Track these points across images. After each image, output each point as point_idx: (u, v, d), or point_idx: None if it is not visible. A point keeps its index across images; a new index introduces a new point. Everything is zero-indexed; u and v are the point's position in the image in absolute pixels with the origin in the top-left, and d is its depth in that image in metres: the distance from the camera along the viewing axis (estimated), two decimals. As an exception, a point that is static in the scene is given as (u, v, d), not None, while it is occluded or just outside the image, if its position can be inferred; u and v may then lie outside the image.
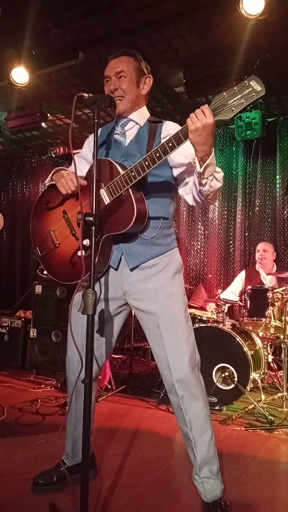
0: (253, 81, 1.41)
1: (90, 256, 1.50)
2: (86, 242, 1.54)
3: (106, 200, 1.68)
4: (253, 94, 1.42)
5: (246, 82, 1.42)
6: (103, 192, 1.69)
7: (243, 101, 1.43)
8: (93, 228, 1.50)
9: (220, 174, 1.61)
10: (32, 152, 6.84)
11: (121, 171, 1.64)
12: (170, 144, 1.52)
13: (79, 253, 1.69)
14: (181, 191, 1.85)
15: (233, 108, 1.45)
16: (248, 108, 4.66)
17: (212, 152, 1.53)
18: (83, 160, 1.99)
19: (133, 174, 1.60)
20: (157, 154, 1.54)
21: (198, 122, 1.44)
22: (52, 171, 1.94)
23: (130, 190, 1.63)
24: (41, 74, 4.09)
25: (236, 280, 4.51)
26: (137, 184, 1.63)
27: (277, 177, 5.03)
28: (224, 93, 1.45)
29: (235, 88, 1.44)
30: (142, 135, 1.80)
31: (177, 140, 1.51)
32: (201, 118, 1.44)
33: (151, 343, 1.80)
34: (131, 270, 1.77)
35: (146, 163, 1.57)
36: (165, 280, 1.77)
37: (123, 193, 1.64)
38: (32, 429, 2.64)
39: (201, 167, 1.54)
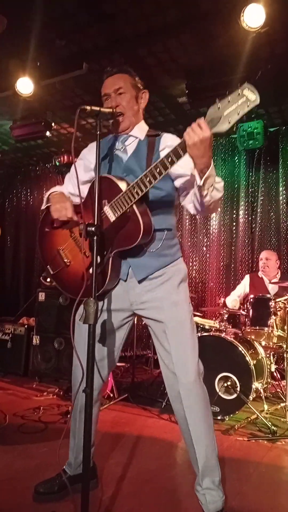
0: (247, 89, 1.36)
1: (102, 273, 1.54)
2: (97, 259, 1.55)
3: (111, 217, 1.70)
4: (248, 104, 1.37)
5: (239, 91, 1.37)
6: (107, 210, 1.71)
7: (239, 111, 1.39)
8: (95, 238, 1.52)
9: (220, 184, 1.63)
10: (36, 161, 6.90)
11: (122, 187, 1.66)
12: (170, 159, 1.53)
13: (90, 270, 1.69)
14: (182, 201, 1.87)
15: (229, 120, 1.41)
16: (246, 117, 4.70)
17: (211, 163, 1.54)
18: (86, 168, 1.98)
19: (135, 190, 1.61)
20: (158, 170, 1.55)
21: (195, 136, 1.45)
22: (47, 194, 1.93)
23: (134, 205, 1.64)
24: (45, 84, 4.15)
25: (239, 286, 4.51)
26: (140, 199, 1.65)
27: (280, 186, 5.05)
28: (219, 104, 1.42)
29: (229, 98, 1.40)
30: (142, 150, 1.83)
31: (176, 155, 1.52)
32: (198, 132, 1.45)
33: (158, 350, 1.82)
34: (139, 282, 1.79)
35: (148, 179, 1.58)
36: (171, 289, 1.80)
37: (128, 210, 1.65)
38: (34, 437, 2.64)
39: (201, 179, 1.55)
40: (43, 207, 1.96)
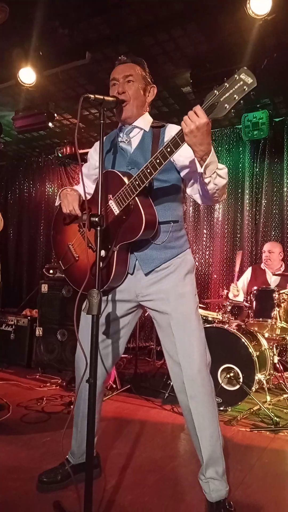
0: (243, 73, 1.37)
1: (107, 267, 1.55)
2: (102, 253, 1.55)
3: (116, 211, 1.70)
4: (245, 87, 1.38)
5: (236, 76, 1.38)
6: (112, 204, 1.71)
7: (235, 96, 1.39)
8: (99, 228, 1.51)
9: (223, 171, 1.60)
10: (39, 152, 6.86)
11: (126, 181, 1.66)
12: (169, 149, 1.52)
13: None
14: (189, 190, 1.86)
15: (226, 105, 1.41)
16: (251, 107, 4.66)
17: (211, 150, 1.51)
18: (90, 175, 2.02)
19: (137, 183, 1.61)
20: (157, 161, 1.55)
21: (192, 124, 1.43)
22: (60, 191, 1.98)
23: (136, 198, 1.64)
24: (48, 74, 4.11)
25: (244, 276, 4.49)
26: (143, 191, 1.64)
27: (285, 177, 5.00)
28: (216, 91, 1.42)
29: (226, 84, 1.40)
30: (146, 141, 1.81)
31: (174, 144, 1.51)
32: (194, 119, 1.43)
33: (163, 341, 1.82)
34: (146, 275, 1.79)
35: (148, 170, 1.58)
36: (177, 280, 1.79)
37: (130, 203, 1.65)
38: (37, 427, 2.66)
39: (202, 166, 1.54)
40: (56, 203, 2.00)
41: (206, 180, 1.57)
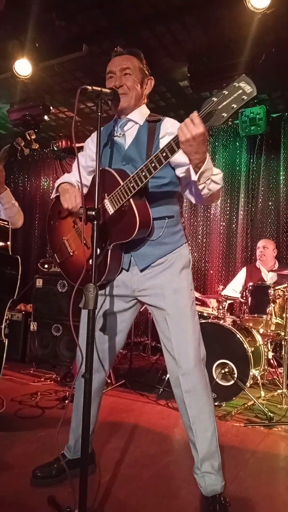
0: (243, 82, 1.32)
1: (102, 263, 1.57)
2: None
3: (110, 210, 1.68)
4: (244, 96, 1.33)
5: (235, 83, 1.34)
6: (106, 203, 1.69)
7: (234, 105, 1.34)
8: (95, 222, 1.49)
9: (218, 176, 1.59)
10: (34, 145, 6.80)
11: (120, 181, 1.64)
12: (164, 154, 1.50)
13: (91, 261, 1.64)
14: (183, 191, 1.85)
15: (224, 114, 1.37)
16: (248, 103, 4.64)
17: (206, 158, 1.50)
18: (86, 166, 1.99)
19: (132, 185, 1.60)
20: (153, 165, 1.53)
21: (188, 133, 1.40)
22: (56, 184, 1.96)
23: (131, 200, 1.62)
24: (44, 67, 4.07)
25: (237, 277, 4.50)
26: (138, 191, 1.62)
27: (281, 173, 5.00)
28: (214, 98, 1.37)
29: (225, 91, 1.35)
30: (142, 137, 1.79)
31: (170, 150, 1.49)
32: (191, 128, 1.39)
33: (160, 336, 1.83)
34: (141, 271, 1.79)
35: (143, 173, 1.56)
36: (172, 276, 1.78)
37: (125, 204, 1.64)
38: (31, 422, 2.65)
39: (196, 173, 1.53)
40: (52, 196, 1.98)
41: (200, 187, 1.57)
